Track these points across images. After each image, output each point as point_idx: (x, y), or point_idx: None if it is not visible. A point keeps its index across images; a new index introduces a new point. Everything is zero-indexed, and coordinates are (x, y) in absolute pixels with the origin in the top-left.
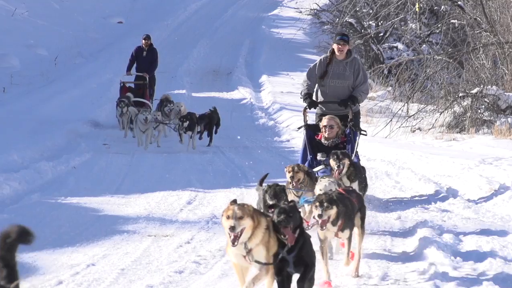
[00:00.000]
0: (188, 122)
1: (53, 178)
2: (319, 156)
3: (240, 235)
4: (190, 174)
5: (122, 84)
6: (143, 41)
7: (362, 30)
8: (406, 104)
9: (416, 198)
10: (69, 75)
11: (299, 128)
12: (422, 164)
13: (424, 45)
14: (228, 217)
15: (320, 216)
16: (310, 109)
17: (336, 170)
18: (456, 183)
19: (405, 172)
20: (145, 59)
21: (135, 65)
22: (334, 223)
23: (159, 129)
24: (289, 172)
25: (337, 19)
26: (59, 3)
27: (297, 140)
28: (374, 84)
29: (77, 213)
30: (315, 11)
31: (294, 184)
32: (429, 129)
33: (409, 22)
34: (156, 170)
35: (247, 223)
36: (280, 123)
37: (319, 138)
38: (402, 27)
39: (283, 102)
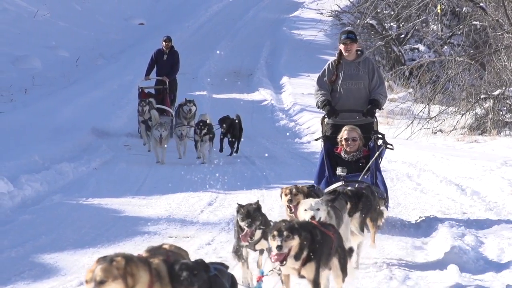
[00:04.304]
0: (206, 129)
1: (74, 179)
2: (338, 171)
3: None
4: (211, 176)
5: (140, 90)
6: (164, 43)
7: (383, 32)
8: (427, 106)
9: (438, 200)
10: (90, 76)
11: (316, 139)
12: (444, 166)
13: (445, 47)
14: (87, 282)
15: (279, 248)
16: (329, 118)
17: None
18: (477, 185)
19: (427, 174)
20: (166, 63)
21: (155, 69)
22: (296, 257)
23: (184, 143)
24: (286, 195)
25: (358, 21)
26: (81, 4)
27: (318, 142)
28: (395, 85)
29: (98, 214)
30: (336, 12)
31: (293, 209)
32: (451, 131)
33: (430, 23)
34: (177, 172)
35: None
36: (300, 125)
37: (338, 151)
38: (424, 29)
39: (304, 104)
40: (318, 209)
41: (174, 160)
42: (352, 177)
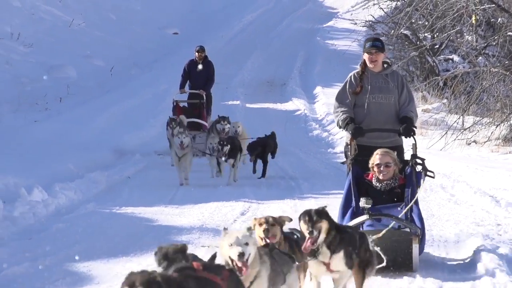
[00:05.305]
0: (229, 146)
1: (108, 188)
2: (361, 203)
3: None
4: (244, 185)
5: (175, 104)
6: (196, 53)
7: (418, 42)
8: (461, 117)
9: (472, 211)
10: (125, 85)
11: (342, 163)
12: (478, 177)
13: (480, 58)
14: None
15: None
16: (356, 138)
17: (308, 239)
18: None
19: (461, 185)
20: (200, 74)
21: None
22: None
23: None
24: (260, 224)
25: (392, 31)
26: (116, 14)
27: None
28: (429, 96)
29: (131, 223)
30: (370, 22)
31: (268, 241)
32: (485, 142)
33: (465, 34)
34: (210, 181)
35: None
36: (334, 135)
37: (369, 178)
38: (458, 39)
39: None
40: (246, 244)
41: (205, 169)
42: (381, 209)
